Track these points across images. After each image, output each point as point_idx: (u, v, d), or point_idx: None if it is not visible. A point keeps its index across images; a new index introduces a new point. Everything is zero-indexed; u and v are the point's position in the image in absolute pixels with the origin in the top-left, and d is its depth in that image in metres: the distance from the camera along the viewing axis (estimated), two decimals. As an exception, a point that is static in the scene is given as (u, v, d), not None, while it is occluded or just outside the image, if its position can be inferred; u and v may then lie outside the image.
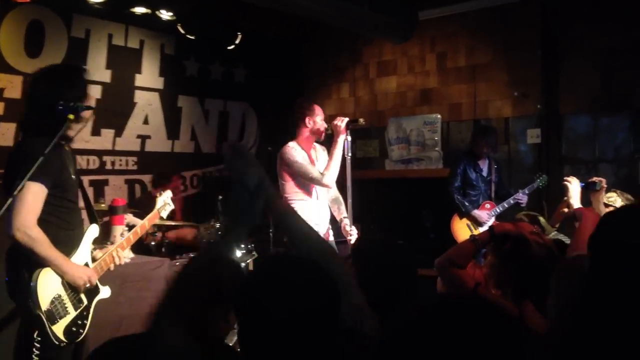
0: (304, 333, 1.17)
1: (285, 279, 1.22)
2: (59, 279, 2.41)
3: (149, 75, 5.62)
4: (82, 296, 2.52)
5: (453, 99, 6.03)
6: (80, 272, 2.46)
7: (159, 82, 5.71)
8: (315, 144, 3.88)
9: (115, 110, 5.27)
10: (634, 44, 4.94)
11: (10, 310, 2.64)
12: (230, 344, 2.39)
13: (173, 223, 4.64)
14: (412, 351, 0.79)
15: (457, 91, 6.01)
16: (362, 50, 6.64)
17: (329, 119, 3.87)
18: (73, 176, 2.57)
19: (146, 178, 5.59)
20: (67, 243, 2.48)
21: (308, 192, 3.75)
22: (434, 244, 4.98)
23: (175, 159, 5.87)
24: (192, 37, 5.68)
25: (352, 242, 3.71)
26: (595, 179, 3.25)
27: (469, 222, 4.88)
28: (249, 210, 1.37)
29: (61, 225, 2.48)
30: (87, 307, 2.54)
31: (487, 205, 4.86)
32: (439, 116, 6.08)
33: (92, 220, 2.71)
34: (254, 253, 4.75)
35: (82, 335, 2.48)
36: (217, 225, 4.65)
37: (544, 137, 5.41)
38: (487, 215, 4.81)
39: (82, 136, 2.71)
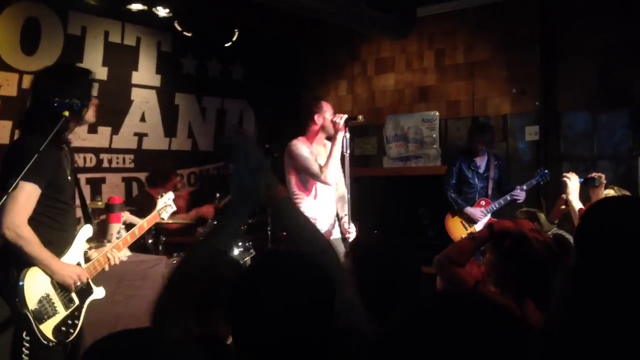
0: (299, 328, 1.16)
1: (281, 274, 1.21)
2: (48, 279, 2.39)
3: (145, 73, 5.59)
4: (74, 296, 2.49)
5: (451, 96, 6.01)
6: (69, 271, 2.43)
7: (155, 80, 5.69)
8: (326, 141, 3.89)
9: (112, 108, 5.24)
10: (633, 41, 4.93)
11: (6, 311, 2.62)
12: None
13: (170, 221, 4.61)
14: (415, 349, 0.78)
15: (455, 88, 5.99)
16: (360, 48, 6.61)
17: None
18: (69, 177, 2.55)
19: (143, 176, 5.57)
20: (59, 244, 2.47)
21: (307, 190, 3.76)
22: (432, 242, 4.97)
23: (172, 156, 5.85)
24: (189, 34, 5.65)
25: (351, 239, 3.72)
26: (594, 174, 3.25)
27: (462, 220, 4.89)
28: (250, 192, 1.36)
29: (54, 226, 2.46)
30: (79, 307, 2.52)
31: (482, 203, 4.86)
32: (437, 113, 6.07)
33: (87, 220, 2.69)
34: (251, 251, 4.74)
35: (73, 335, 2.46)
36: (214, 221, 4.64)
37: (543, 135, 5.40)
38: (480, 213, 4.80)
39: (78, 134, 2.69)
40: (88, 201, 3.09)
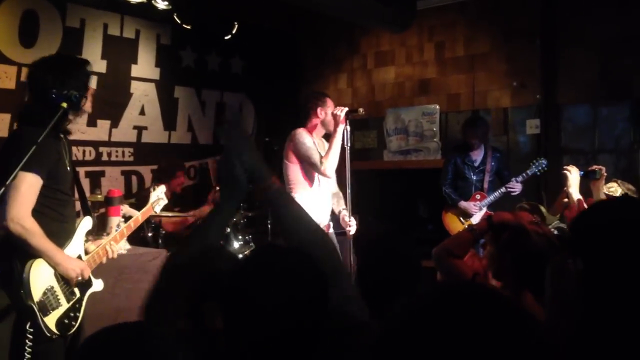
0: (291, 323, 1.14)
1: (272, 269, 1.20)
2: (52, 271, 2.39)
3: (145, 66, 5.57)
4: (75, 289, 2.50)
5: (451, 90, 5.99)
6: (73, 265, 2.43)
7: (155, 73, 5.67)
8: (322, 139, 3.90)
9: (111, 101, 5.23)
10: (634, 34, 4.90)
11: (7, 303, 2.62)
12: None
13: (170, 214, 4.62)
14: (417, 341, 0.77)
15: (455, 81, 5.97)
16: (359, 41, 6.59)
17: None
18: (68, 168, 2.54)
19: (142, 169, 5.57)
20: (60, 235, 2.46)
21: (310, 180, 3.76)
22: (431, 235, 4.96)
23: (172, 150, 5.84)
24: (189, 27, 5.63)
25: (352, 233, 3.72)
26: (595, 167, 3.24)
27: (459, 214, 4.93)
28: (238, 185, 1.35)
29: (55, 217, 2.46)
30: (80, 300, 2.52)
31: (478, 197, 4.88)
32: (437, 107, 6.05)
33: (86, 212, 2.68)
34: (251, 244, 4.75)
35: (75, 328, 2.46)
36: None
37: (543, 128, 5.38)
38: (474, 207, 4.83)
39: (78, 127, 2.68)
40: (87, 194, 3.09)
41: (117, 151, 5.40)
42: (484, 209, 4.81)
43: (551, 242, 1.97)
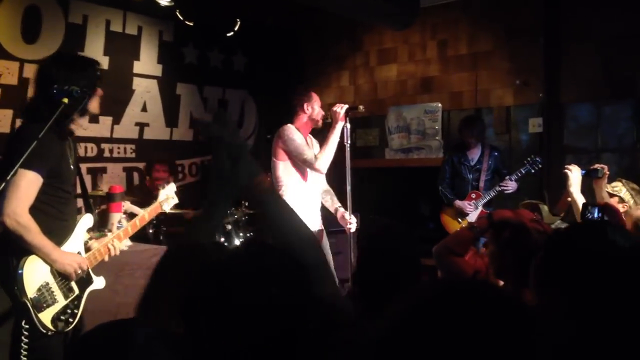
0: (271, 323, 1.11)
1: (256, 266, 1.16)
2: (48, 267, 2.38)
3: (147, 62, 5.57)
4: (73, 285, 2.48)
5: (454, 88, 5.98)
6: (69, 260, 2.42)
7: (157, 69, 5.67)
8: (309, 135, 3.89)
9: (113, 97, 5.22)
10: (637, 32, 4.87)
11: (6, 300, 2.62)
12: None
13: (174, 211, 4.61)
14: (416, 337, 0.77)
15: (458, 79, 5.95)
16: (362, 38, 6.57)
17: (328, 108, 3.85)
18: (72, 166, 2.54)
19: (144, 166, 5.58)
20: (60, 233, 2.46)
21: (304, 175, 3.74)
22: (432, 234, 4.98)
23: (173, 147, 5.84)
24: (191, 24, 5.62)
25: (352, 231, 3.71)
26: (597, 165, 3.22)
27: (455, 213, 4.98)
28: (230, 182, 1.33)
29: (55, 215, 2.45)
30: (79, 297, 2.51)
31: (473, 195, 4.91)
32: (439, 105, 6.04)
33: (88, 209, 2.68)
34: (252, 241, 4.74)
35: (73, 325, 2.45)
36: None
37: (546, 126, 5.37)
38: (469, 206, 4.86)
39: (81, 126, 2.67)
40: (89, 190, 3.09)
41: (119, 147, 5.40)
42: (480, 208, 4.85)
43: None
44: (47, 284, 2.37)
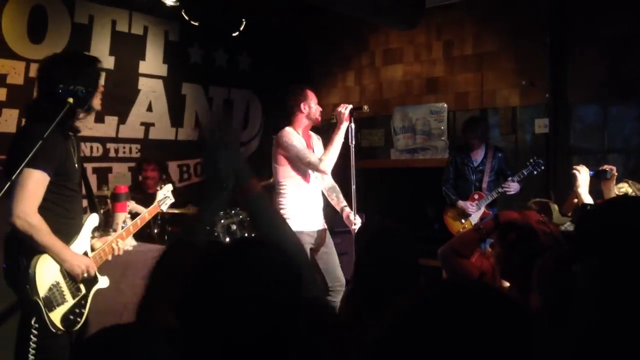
0: (262, 319, 1.10)
1: (246, 260, 1.15)
2: (58, 266, 2.39)
3: (152, 62, 5.57)
4: (81, 285, 2.50)
5: (460, 88, 5.96)
6: (78, 261, 2.44)
7: (162, 69, 5.67)
8: (310, 132, 3.87)
9: (118, 97, 5.24)
10: (645, 32, 4.85)
11: (13, 299, 2.63)
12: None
13: (176, 211, 4.62)
14: (417, 339, 0.76)
15: (463, 80, 5.93)
16: (367, 38, 6.56)
17: (333, 108, 3.85)
18: (76, 164, 2.55)
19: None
20: (67, 231, 2.47)
21: (305, 177, 3.73)
22: (438, 235, 4.97)
23: (179, 146, 5.84)
24: (196, 24, 5.63)
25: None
26: (605, 167, 3.19)
27: (458, 214, 4.99)
28: (221, 184, 1.33)
29: (62, 214, 2.46)
30: (85, 296, 2.53)
31: (476, 196, 4.92)
32: (445, 105, 6.02)
33: (93, 209, 2.69)
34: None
35: (80, 324, 2.47)
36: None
37: (552, 127, 5.34)
38: (471, 206, 4.87)
39: (85, 123, 2.68)
40: (94, 190, 3.10)
41: (124, 147, 5.41)
42: (482, 209, 4.87)
43: (559, 242, 1.95)
44: (58, 283, 2.39)
